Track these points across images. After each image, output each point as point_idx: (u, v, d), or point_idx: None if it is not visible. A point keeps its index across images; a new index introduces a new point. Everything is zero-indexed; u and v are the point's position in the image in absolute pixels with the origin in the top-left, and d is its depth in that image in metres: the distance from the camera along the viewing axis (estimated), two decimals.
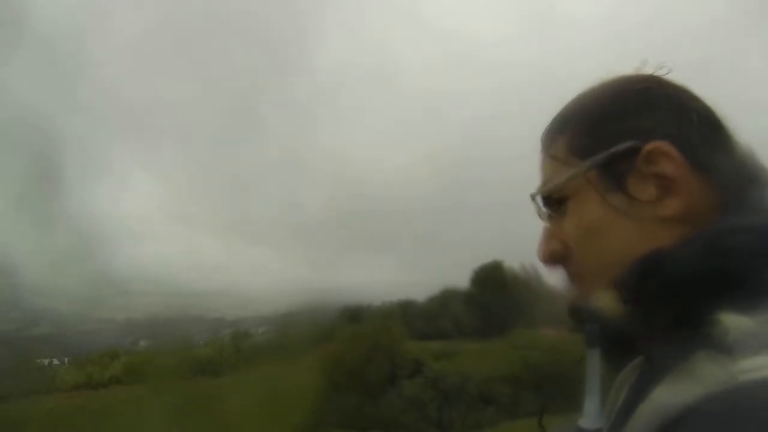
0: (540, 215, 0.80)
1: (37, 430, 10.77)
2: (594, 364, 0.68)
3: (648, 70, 0.75)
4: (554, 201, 0.76)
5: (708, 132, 0.70)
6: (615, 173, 0.70)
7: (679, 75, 0.74)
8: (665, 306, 0.59)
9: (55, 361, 19.79)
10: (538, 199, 0.79)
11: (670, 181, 0.67)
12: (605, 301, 0.65)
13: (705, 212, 0.65)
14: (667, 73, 0.74)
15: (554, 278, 0.78)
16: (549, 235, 0.78)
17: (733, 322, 0.54)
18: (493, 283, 29.93)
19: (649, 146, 0.67)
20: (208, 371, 20.72)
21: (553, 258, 0.77)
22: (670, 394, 0.54)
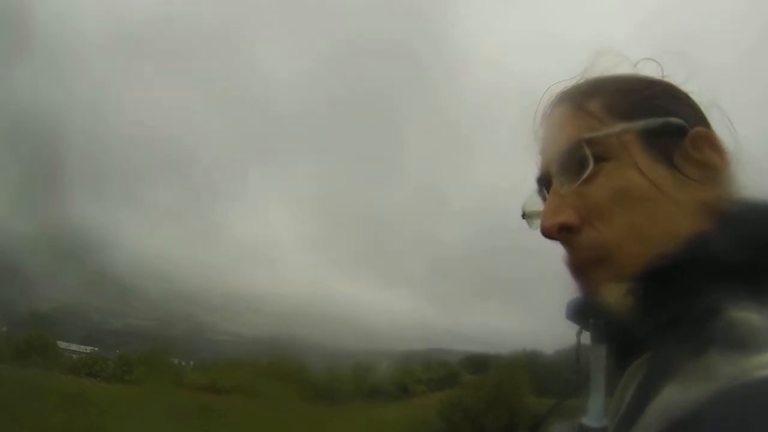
0: (553, 179, 0.72)
1: (145, 417, 11.78)
2: (599, 360, 0.67)
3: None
4: (586, 157, 0.67)
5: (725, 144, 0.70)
6: (661, 144, 0.67)
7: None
8: (690, 298, 0.57)
9: (183, 362, 21.57)
10: (570, 152, 0.69)
11: (713, 169, 0.66)
12: (614, 295, 0.63)
13: (725, 208, 0.64)
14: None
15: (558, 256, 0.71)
16: (561, 203, 0.69)
17: (744, 317, 0.53)
18: None
19: (700, 130, 0.68)
20: (324, 397, 21.38)
21: (562, 231, 0.68)
22: (682, 392, 0.53)
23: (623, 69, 0.75)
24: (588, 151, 0.67)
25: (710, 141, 0.67)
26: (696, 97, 0.73)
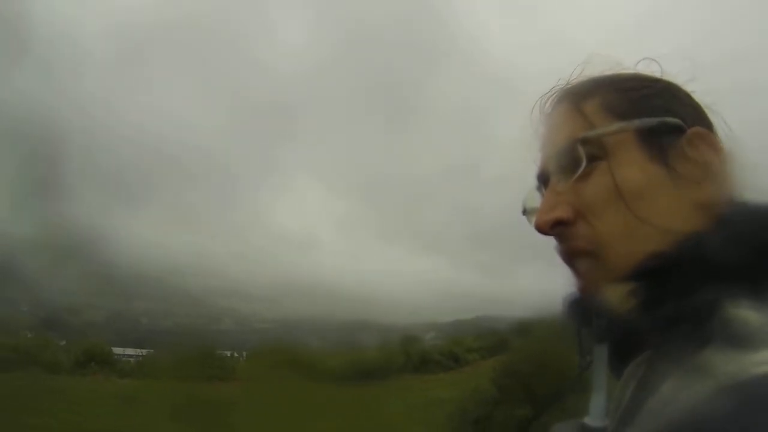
0: (549, 176, 0.75)
1: (212, 412, 12.33)
2: (600, 360, 0.67)
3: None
4: (580, 156, 0.69)
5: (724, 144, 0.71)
6: (658, 143, 0.68)
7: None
8: (688, 296, 0.58)
9: (235, 354, 22.18)
10: (565, 151, 0.71)
11: (710, 169, 0.67)
12: (615, 294, 0.63)
13: (722, 205, 0.65)
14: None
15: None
16: (557, 199, 0.71)
17: (743, 315, 0.54)
18: None
19: (697, 129, 0.69)
20: (376, 375, 21.77)
21: (556, 226, 0.71)
22: (681, 390, 0.54)
23: (623, 68, 0.77)
24: (582, 151, 0.69)
25: (707, 140, 0.68)
26: (697, 96, 0.75)
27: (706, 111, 0.74)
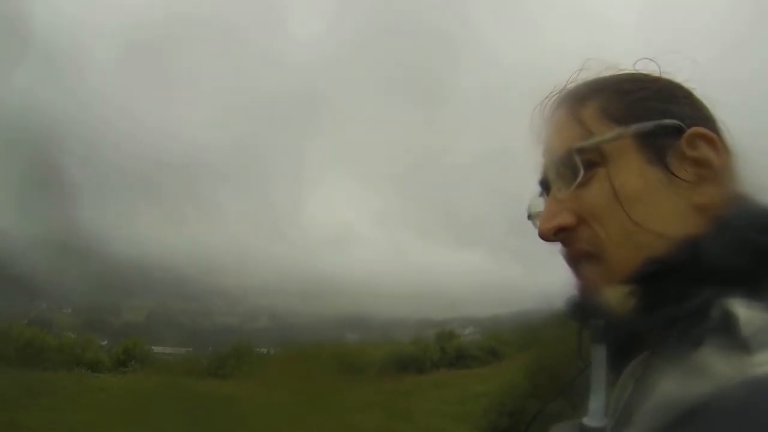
0: (550, 184, 0.76)
1: (249, 406, 12.60)
2: (599, 360, 0.67)
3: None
4: (577, 166, 0.71)
5: (727, 142, 0.72)
6: (657, 146, 0.69)
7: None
8: (688, 298, 0.59)
9: (272, 350, 22.41)
10: (563, 160, 0.73)
11: (710, 168, 0.68)
12: (615, 295, 0.65)
13: (722, 209, 0.66)
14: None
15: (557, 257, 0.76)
16: (558, 207, 0.73)
17: (742, 316, 0.55)
18: None
19: (697, 129, 0.69)
20: (412, 368, 21.86)
21: (558, 233, 0.73)
22: (678, 388, 0.55)
23: (621, 68, 0.78)
24: (578, 160, 0.70)
25: (707, 139, 0.69)
26: (699, 93, 0.75)
27: (708, 108, 0.74)
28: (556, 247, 0.75)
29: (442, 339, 26.38)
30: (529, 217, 0.82)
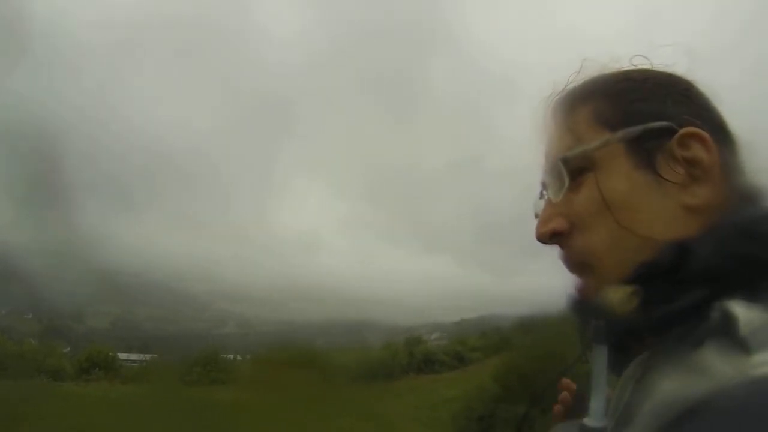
0: (546, 189, 0.77)
1: (218, 415, 12.44)
2: (600, 361, 0.67)
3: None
4: (569, 172, 0.71)
5: (728, 135, 0.71)
6: (645, 150, 0.68)
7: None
8: (682, 299, 0.59)
9: (240, 357, 22.15)
10: (552, 167, 0.74)
11: (701, 168, 0.66)
12: (615, 296, 0.64)
13: (719, 209, 0.65)
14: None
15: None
16: (553, 211, 0.74)
17: (743, 315, 0.54)
18: None
19: (687, 129, 0.67)
20: (382, 374, 21.86)
21: (553, 237, 0.73)
22: (678, 388, 0.55)
23: (618, 65, 0.77)
24: (565, 169, 0.71)
25: (698, 138, 0.67)
26: (701, 86, 0.73)
27: (709, 100, 0.73)
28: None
29: (410, 344, 26.45)
30: (536, 216, 0.81)
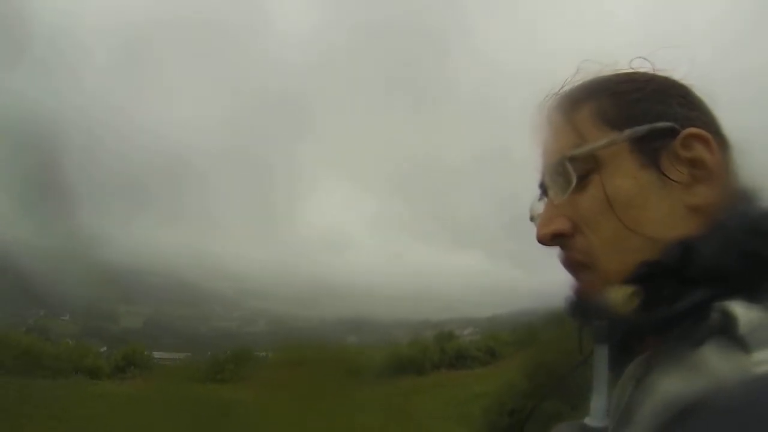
0: (547, 189, 0.76)
1: (249, 410, 12.58)
2: (601, 360, 0.67)
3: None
4: (570, 174, 0.71)
5: (723, 137, 0.72)
6: (650, 149, 0.69)
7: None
8: (685, 298, 0.60)
9: (270, 354, 22.37)
10: (557, 166, 0.73)
11: (704, 168, 0.67)
12: (617, 296, 0.64)
13: (720, 209, 0.65)
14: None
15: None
16: (555, 212, 0.73)
17: (743, 314, 0.55)
18: None
19: (691, 130, 0.68)
20: (412, 370, 21.90)
21: (555, 238, 0.73)
22: (677, 387, 0.55)
23: (619, 67, 0.78)
24: (571, 168, 0.70)
25: (701, 139, 0.68)
26: (698, 90, 0.74)
27: (706, 104, 0.74)
28: (553, 249, 0.75)
29: (442, 340, 26.45)
30: (532, 219, 0.82)
